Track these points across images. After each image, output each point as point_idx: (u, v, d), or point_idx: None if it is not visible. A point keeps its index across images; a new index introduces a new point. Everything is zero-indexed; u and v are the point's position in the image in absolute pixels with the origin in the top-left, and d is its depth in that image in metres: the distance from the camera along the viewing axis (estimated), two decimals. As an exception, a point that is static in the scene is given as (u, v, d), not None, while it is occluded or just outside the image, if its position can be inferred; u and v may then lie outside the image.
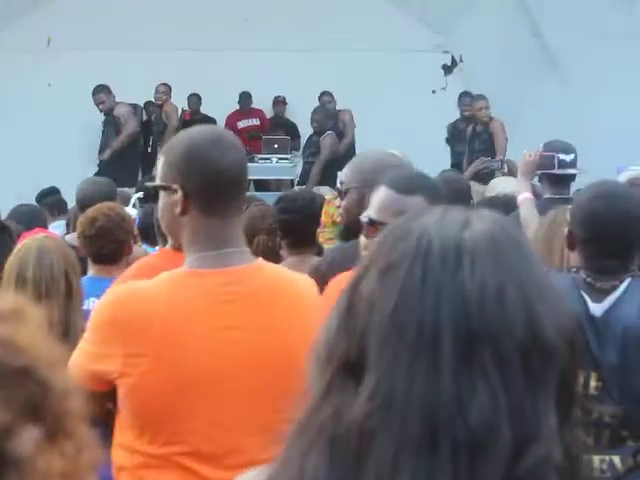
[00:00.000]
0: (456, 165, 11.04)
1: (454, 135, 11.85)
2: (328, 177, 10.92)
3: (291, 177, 11.62)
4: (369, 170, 3.17)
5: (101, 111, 11.79)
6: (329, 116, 11.94)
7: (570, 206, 3.30)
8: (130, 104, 12.02)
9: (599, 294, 2.96)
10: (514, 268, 1.07)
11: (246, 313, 2.35)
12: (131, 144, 11.58)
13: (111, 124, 11.64)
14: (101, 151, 11.65)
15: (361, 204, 3.02)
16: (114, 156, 11.28)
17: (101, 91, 11.66)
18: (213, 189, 2.38)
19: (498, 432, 1.01)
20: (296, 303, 2.43)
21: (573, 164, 5.25)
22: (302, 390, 2.31)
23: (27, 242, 3.58)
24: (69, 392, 1.11)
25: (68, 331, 3.40)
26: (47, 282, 3.43)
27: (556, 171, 5.16)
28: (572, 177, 5.28)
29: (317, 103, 12.30)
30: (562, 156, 5.20)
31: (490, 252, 1.07)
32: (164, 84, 12.59)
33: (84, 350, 2.42)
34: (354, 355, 1.08)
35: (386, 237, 1.12)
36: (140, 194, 6.38)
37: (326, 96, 12.43)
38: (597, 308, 2.95)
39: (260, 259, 2.50)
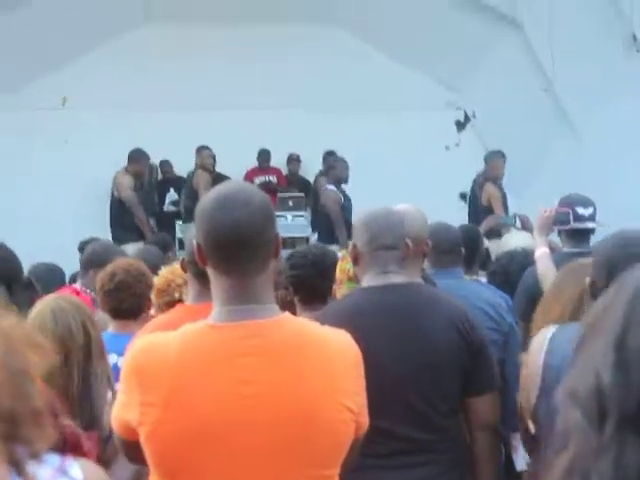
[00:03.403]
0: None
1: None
2: None
3: (306, 235, 11.62)
4: None
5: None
6: None
7: (589, 258, 3.31)
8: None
9: None
10: None
11: (264, 367, 2.31)
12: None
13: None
14: None
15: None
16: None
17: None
18: (218, 250, 2.37)
19: None
20: (321, 360, 2.36)
21: (592, 218, 5.22)
22: (325, 448, 2.31)
23: (40, 307, 3.49)
24: None
25: (90, 383, 3.40)
26: (65, 340, 3.42)
27: (572, 226, 5.15)
28: (591, 231, 5.25)
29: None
30: (580, 210, 5.18)
31: None
32: (206, 148, 12.31)
33: (117, 400, 2.46)
34: (632, 408, 1.09)
35: None
36: None
37: (332, 156, 12.40)
38: None
39: (287, 313, 2.45)
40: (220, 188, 2.48)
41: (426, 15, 13.01)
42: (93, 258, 5.45)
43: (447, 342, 3.38)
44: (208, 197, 2.43)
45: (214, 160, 12.34)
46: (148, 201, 12.02)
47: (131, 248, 8.91)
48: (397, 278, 3.45)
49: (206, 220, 2.39)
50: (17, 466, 0.94)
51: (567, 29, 11.64)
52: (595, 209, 5.27)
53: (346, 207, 11.53)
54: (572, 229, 5.18)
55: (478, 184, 10.95)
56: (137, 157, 11.63)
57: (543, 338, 3.16)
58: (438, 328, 3.39)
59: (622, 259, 3.04)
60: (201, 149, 12.32)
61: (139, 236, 10.99)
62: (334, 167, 11.92)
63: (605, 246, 3.20)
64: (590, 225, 5.23)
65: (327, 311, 3.50)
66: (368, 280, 3.49)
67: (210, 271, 2.43)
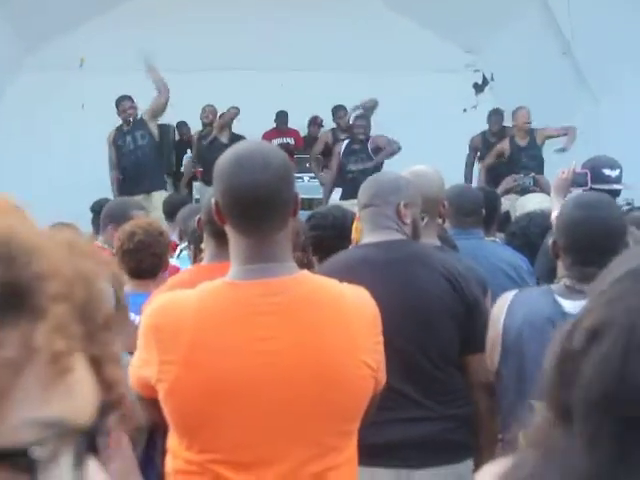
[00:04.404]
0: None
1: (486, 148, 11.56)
2: None
3: (322, 196, 11.59)
4: None
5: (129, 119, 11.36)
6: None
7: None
8: (163, 124, 12.01)
9: (577, 294, 2.99)
10: None
11: (283, 324, 2.31)
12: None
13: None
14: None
15: None
16: None
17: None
18: (236, 209, 2.36)
19: None
20: (340, 317, 2.36)
21: (618, 180, 5.19)
22: (345, 404, 2.32)
23: None
24: None
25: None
26: None
27: (590, 187, 5.12)
28: (616, 192, 5.20)
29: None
30: (607, 171, 5.15)
31: None
32: (211, 105, 12.42)
33: (135, 358, 2.45)
34: (563, 404, 1.09)
35: (601, 293, 1.10)
36: None
37: (341, 111, 12.33)
38: (573, 306, 2.97)
39: (305, 271, 2.46)
40: (238, 147, 2.46)
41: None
42: (110, 212, 5.53)
43: (440, 294, 3.39)
44: (226, 156, 2.42)
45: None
46: (163, 162, 11.91)
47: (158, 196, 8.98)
48: (388, 235, 3.48)
49: (225, 179, 2.38)
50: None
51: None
52: (621, 171, 5.22)
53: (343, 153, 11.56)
54: (596, 190, 5.14)
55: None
56: (116, 104, 11.36)
57: (503, 302, 3.26)
58: (431, 281, 3.40)
59: (582, 220, 3.10)
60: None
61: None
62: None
63: (566, 208, 3.27)
64: (615, 187, 5.19)
65: (321, 268, 3.52)
66: (365, 238, 3.57)
67: (229, 230, 2.42)
